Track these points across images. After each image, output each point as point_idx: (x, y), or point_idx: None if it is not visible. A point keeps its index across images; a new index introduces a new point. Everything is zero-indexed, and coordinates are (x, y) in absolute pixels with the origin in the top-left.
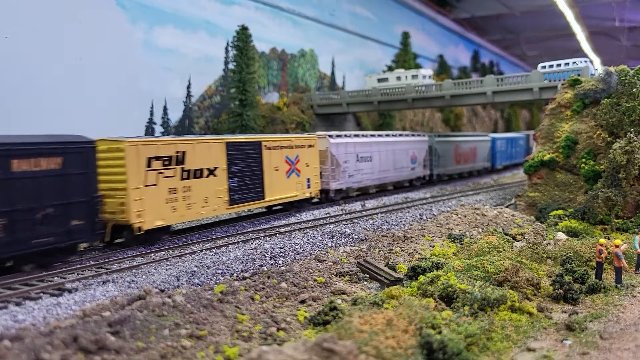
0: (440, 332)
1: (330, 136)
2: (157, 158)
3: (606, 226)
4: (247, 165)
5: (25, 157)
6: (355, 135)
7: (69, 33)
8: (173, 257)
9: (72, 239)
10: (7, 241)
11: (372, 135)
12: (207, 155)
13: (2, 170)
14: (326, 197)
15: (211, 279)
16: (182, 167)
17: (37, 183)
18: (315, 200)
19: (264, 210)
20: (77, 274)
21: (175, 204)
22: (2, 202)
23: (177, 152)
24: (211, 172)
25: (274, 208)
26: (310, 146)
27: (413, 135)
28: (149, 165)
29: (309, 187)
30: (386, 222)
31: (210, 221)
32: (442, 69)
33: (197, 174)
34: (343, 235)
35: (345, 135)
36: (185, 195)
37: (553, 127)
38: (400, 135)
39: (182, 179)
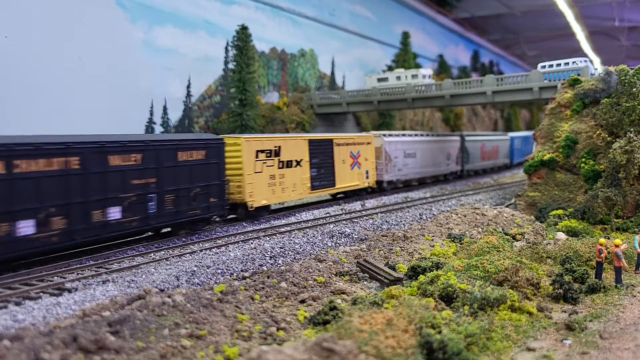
0: (440, 332)
1: (384, 135)
2: (262, 151)
3: (606, 226)
4: (323, 158)
5: (185, 150)
6: (403, 135)
7: (69, 33)
8: (173, 257)
9: (210, 212)
10: (174, 212)
11: (416, 135)
12: (295, 149)
13: (172, 160)
14: (379, 188)
15: (211, 279)
16: (279, 159)
17: (191, 169)
18: (370, 190)
19: (329, 197)
20: (77, 274)
21: (274, 188)
22: (172, 182)
23: (275, 147)
24: (298, 163)
25: (337, 196)
26: (368, 143)
27: (447, 135)
28: (257, 156)
29: (367, 178)
30: (386, 221)
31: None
32: (442, 68)
33: (289, 164)
34: (343, 235)
35: (395, 135)
36: (281, 181)
37: (553, 127)
38: (438, 135)
39: (279, 168)
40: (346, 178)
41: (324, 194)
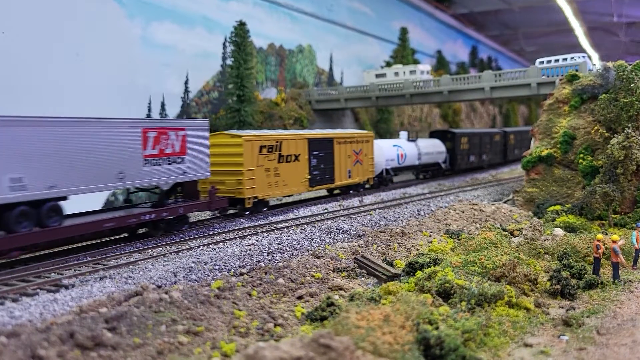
0: (437, 328)
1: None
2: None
3: (604, 222)
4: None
5: (494, 135)
6: None
7: (66, 29)
8: (170, 253)
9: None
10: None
11: None
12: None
13: (491, 139)
14: None
15: (208, 275)
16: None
17: (493, 143)
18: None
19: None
20: (74, 270)
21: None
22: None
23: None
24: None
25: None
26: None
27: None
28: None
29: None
30: (384, 217)
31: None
32: (440, 64)
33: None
34: (341, 231)
35: None
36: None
37: (551, 123)
38: None
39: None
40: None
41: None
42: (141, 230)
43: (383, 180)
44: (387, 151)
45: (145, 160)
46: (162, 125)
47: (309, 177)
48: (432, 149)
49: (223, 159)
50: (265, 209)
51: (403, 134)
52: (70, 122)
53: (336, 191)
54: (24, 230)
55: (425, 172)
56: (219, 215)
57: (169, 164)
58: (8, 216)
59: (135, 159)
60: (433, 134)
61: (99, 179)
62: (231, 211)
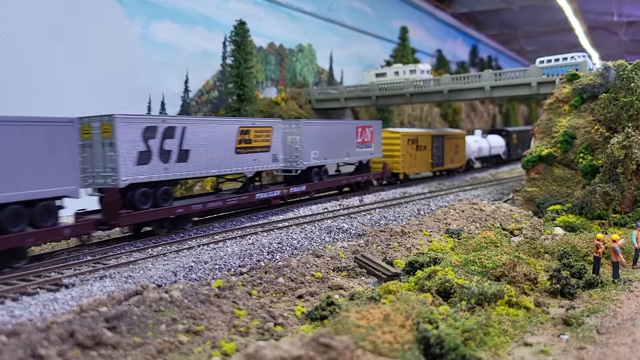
0: (437, 327)
1: None
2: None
3: (604, 221)
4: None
5: (518, 133)
6: None
7: (67, 28)
8: (170, 253)
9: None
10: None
11: None
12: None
13: (524, 135)
14: None
15: (208, 274)
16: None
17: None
18: None
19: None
20: (74, 269)
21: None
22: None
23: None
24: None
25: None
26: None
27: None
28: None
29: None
30: (384, 217)
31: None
32: (441, 63)
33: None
34: (341, 231)
35: None
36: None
37: (551, 122)
38: None
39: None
40: None
41: None
42: (345, 189)
43: (469, 166)
44: (472, 145)
45: (357, 145)
46: (363, 124)
47: (431, 161)
48: (497, 143)
49: (385, 147)
50: (407, 181)
51: (478, 132)
52: (332, 123)
53: (437, 173)
54: (316, 180)
55: (489, 161)
56: (378, 184)
57: (366, 147)
58: (309, 173)
59: (353, 143)
60: (492, 132)
61: (339, 155)
62: (384, 182)
